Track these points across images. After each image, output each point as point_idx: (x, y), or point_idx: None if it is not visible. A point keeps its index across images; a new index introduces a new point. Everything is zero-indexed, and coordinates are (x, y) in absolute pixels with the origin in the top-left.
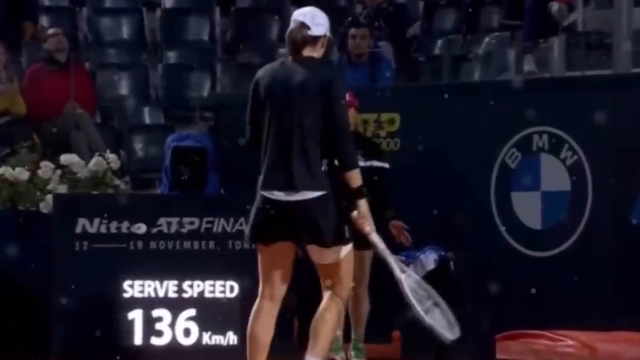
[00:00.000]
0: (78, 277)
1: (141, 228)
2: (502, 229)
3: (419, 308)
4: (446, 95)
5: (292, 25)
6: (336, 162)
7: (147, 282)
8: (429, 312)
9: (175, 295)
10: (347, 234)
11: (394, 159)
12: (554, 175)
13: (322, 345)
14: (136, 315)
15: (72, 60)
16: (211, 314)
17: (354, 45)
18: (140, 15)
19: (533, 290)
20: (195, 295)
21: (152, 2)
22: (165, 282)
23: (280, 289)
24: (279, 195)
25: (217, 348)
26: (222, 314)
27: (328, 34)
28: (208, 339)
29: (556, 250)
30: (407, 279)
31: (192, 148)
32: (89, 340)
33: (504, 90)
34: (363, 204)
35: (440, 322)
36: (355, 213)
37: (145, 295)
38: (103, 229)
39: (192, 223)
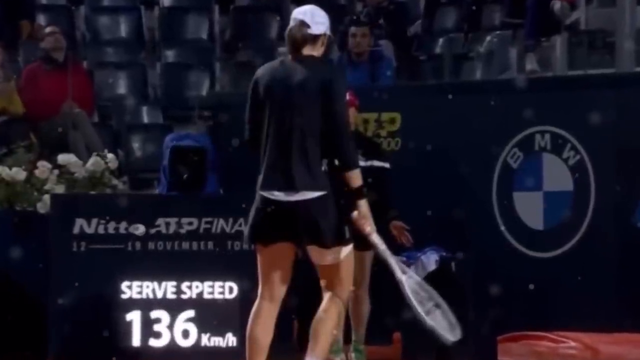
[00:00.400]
0: (76, 278)
1: (139, 228)
2: (504, 229)
3: (419, 309)
4: (450, 96)
5: (291, 23)
6: (336, 162)
7: (146, 283)
8: (430, 313)
9: (173, 296)
10: (347, 235)
11: (395, 159)
12: (556, 175)
13: (322, 347)
14: (134, 317)
15: (69, 59)
16: (210, 316)
17: (354, 43)
18: (139, 14)
19: (532, 286)
20: (194, 296)
21: (151, 0)
22: (163, 283)
23: (280, 290)
24: (278, 196)
25: (216, 350)
26: (221, 316)
27: (328, 32)
28: (207, 340)
29: (558, 251)
30: (408, 280)
31: (191, 148)
32: (86, 341)
33: (506, 89)
34: (363, 204)
35: (442, 323)
36: (355, 213)
37: (144, 296)
38: (101, 230)
39: (190, 223)
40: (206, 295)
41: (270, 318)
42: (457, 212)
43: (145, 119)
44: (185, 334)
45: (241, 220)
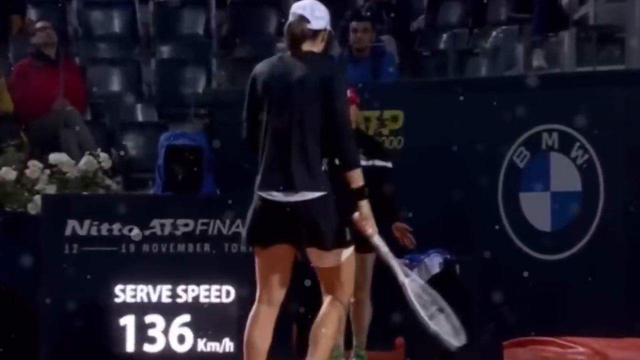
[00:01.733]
0: (67, 281)
1: (133, 230)
2: (510, 231)
3: (423, 313)
4: (462, 98)
5: (290, 18)
6: (337, 162)
7: (140, 287)
8: (433, 317)
9: (169, 300)
10: (348, 237)
11: (398, 158)
12: (564, 175)
13: (322, 352)
14: (128, 321)
15: (61, 55)
16: (206, 320)
17: (355, 39)
18: (133, 8)
19: (537, 289)
20: (189, 300)
21: None
22: (158, 287)
23: (279, 294)
24: (277, 196)
25: (213, 355)
26: (217, 320)
27: (328, 27)
28: (203, 345)
29: (566, 253)
30: (411, 283)
31: (187, 147)
32: (78, 346)
33: (512, 86)
34: (365, 205)
35: (445, 328)
36: (357, 214)
37: (138, 300)
38: (94, 231)
39: (186, 225)
40: (202, 299)
41: (268, 322)
42: (461, 213)
43: (140, 117)
44: (181, 339)
45: (239, 221)
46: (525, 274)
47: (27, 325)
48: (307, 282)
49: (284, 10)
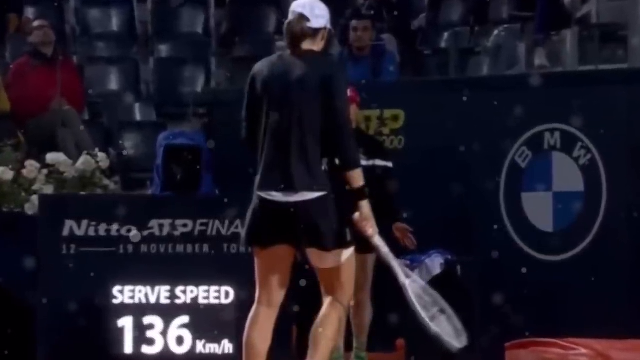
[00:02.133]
0: (65, 282)
1: (132, 231)
2: (512, 231)
3: (424, 315)
4: (465, 98)
5: (290, 17)
6: (337, 162)
7: (138, 288)
8: (434, 319)
9: (167, 301)
10: (348, 237)
11: (398, 158)
12: (567, 174)
13: (322, 354)
14: (126, 323)
15: (58, 54)
16: (205, 321)
17: (355, 37)
18: (131, 7)
19: (540, 291)
20: (188, 301)
21: None
22: (157, 288)
23: (278, 295)
24: (276, 196)
25: (212, 357)
26: (216, 321)
27: (328, 26)
28: (202, 347)
29: (569, 254)
30: (412, 284)
31: (186, 146)
32: (76, 348)
33: (514, 85)
34: (365, 205)
35: (447, 329)
36: (357, 215)
37: (136, 301)
38: (91, 232)
39: (185, 225)
40: (201, 300)
41: (268, 324)
42: (463, 213)
43: (138, 117)
44: (180, 340)
45: (238, 222)
46: (527, 274)
47: (25, 326)
48: (303, 282)
49: (283, 9)
